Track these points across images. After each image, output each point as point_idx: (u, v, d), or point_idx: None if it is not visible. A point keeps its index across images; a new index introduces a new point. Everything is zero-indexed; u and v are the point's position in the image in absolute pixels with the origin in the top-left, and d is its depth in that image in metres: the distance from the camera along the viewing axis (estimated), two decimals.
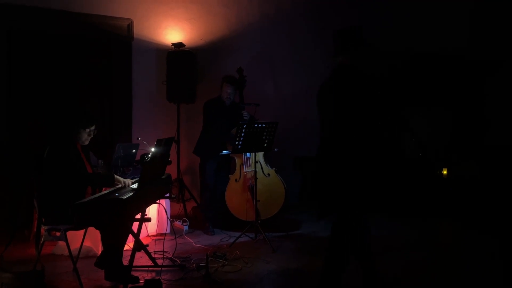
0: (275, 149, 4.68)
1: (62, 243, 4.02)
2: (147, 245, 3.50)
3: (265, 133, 4.39)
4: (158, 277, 3.28)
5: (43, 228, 3.03)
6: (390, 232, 4.87)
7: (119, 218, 2.57)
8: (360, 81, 2.83)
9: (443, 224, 5.43)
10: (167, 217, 4.42)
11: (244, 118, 4.84)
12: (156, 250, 3.92)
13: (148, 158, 2.92)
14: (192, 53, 5.58)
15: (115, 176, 3.23)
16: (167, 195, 3.64)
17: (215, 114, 4.87)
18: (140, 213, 3.26)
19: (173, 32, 5.80)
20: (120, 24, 5.54)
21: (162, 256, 3.84)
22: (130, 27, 5.60)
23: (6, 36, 4.99)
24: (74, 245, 3.68)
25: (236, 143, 4.27)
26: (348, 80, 2.82)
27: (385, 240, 4.48)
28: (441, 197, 5.99)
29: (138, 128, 5.73)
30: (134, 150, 4.59)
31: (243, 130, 4.23)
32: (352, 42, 2.89)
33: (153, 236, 4.59)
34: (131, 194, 2.69)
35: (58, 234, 2.99)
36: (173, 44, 5.55)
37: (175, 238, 3.99)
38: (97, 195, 2.76)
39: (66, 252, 3.91)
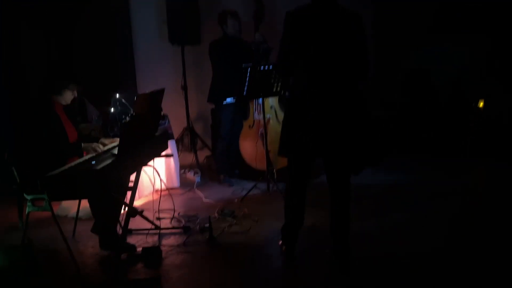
0: (287, 93, 4.21)
1: (66, 204, 3.85)
2: (143, 211, 3.21)
3: (273, 76, 3.92)
4: (157, 245, 3.04)
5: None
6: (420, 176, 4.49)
7: (97, 190, 2.27)
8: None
9: (479, 166, 4.92)
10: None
11: (256, 40, 4.28)
12: (162, 208, 3.68)
13: (127, 119, 2.56)
14: None
15: (84, 145, 2.90)
16: (164, 153, 3.30)
17: (224, 53, 4.38)
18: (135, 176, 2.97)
19: None
20: None
21: (166, 216, 3.60)
22: None
23: None
24: (75, 208, 3.48)
25: (242, 90, 3.83)
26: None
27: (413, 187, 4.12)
28: (477, 133, 5.47)
29: (142, 74, 5.37)
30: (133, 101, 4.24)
31: (248, 74, 3.77)
32: None
33: (162, 190, 4.36)
34: (109, 162, 2.36)
35: (42, 204, 2.74)
36: None
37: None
38: (72, 164, 2.45)
39: (70, 214, 3.77)
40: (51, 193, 2.25)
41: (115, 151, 2.58)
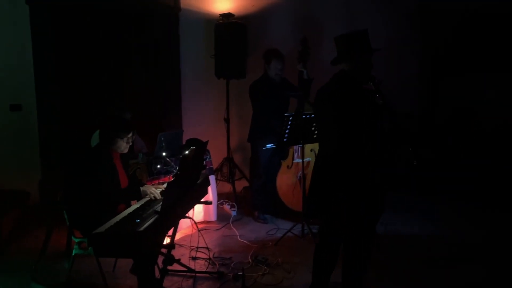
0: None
1: None
2: (180, 259, 3.35)
3: (315, 124, 3.96)
4: None
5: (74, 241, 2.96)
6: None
7: (140, 251, 2.39)
8: (358, 93, 2.65)
9: None
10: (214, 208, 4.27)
11: (301, 70, 4.30)
12: (199, 246, 3.80)
13: (175, 173, 2.68)
14: (242, 25, 5.11)
15: (143, 188, 3.04)
16: (204, 199, 3.41)
17: (264, 95, 4.47)
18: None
19: (222, 0, 5.33)
20: None
21: (202, 256, 3.72)
22: None
23: (50, 12, 4.86)
24: None
25: (282, 136, 3.90)
26: (346, 91, 2.63)
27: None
28: None
29: (187, 106, 5.53)
30: (177, 138, 4.39)
31: (289, 122, 3.83)
32: (356, 48, 2.63)
33: (199, 223, 4.49)
34: (152, 221, 2.48)
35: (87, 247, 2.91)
36: (221, 14, 5.12)
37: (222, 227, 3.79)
38: (118, 218, 2.59)
39: None
40: (97, 250, 2.39)
41: (158, 208, 2.70)
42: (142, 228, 2.39)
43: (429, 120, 6.19)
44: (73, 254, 2.98)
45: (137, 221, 2.52)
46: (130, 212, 2.72)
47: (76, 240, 2.97)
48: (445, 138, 6.10)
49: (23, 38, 4.84)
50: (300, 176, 4.35)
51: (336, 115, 2.58)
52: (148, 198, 3.01)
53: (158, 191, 3.07)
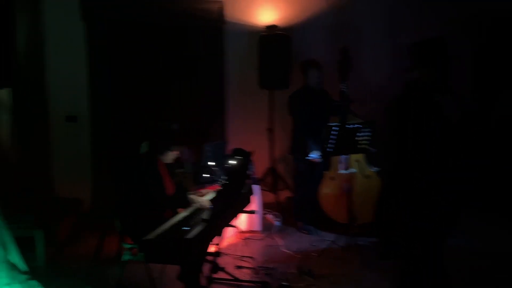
0: (373, 150, 4.17)
1: None
2: (224, 268, 3.40)
3: (359, 134, 3.92)
4: None
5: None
6: None
7: (188, 258, 2.46)
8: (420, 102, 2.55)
9: None
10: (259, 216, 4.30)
11: (342, 90, 4.27)
12: (243, 255, 3.84)
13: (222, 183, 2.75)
14: (286, 36, 5.16)
15: (191, 197, 3.13)
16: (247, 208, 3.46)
17: (303, 106, 4.49)
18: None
19: (266, 12, 5.41)
20: (210, 8, 5.31)
21: (246, 265, 3.75)
22: (221, 10, 5.35)
23: (104, 28, 5.12)
24: None
25: (326, 146, 3.89)
26: (409, 99, 2.58)
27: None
28: None
29: (231, 116, 5.62)
30: (221, 149, 4.48)
31: (333, 132, 3.82)
32: (425, 58, 2.55)
33: (244, 232, 4.54)
34: (200, 229, 2.55)
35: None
36: (266, 26, 5.20)
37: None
38: (167, 225, 2.67)
39: None
40: (147, 256, 2.48)
41: (205, 215, 2.76)
42: (190, 236, 2.46)
43: (484, 129, 5.93)
44: (123, 260, 3.08)
45: (186, 228, 2.60)
46: (179, 220, 2.81)
47: (127, 246, 3.08)
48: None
49: (79, 52, 5.10)
50: (344, 188, 4.30)
51: (391, 122, 2.57)
52: (196, 206, 3.09)
53: (205, 198, 3.15)
